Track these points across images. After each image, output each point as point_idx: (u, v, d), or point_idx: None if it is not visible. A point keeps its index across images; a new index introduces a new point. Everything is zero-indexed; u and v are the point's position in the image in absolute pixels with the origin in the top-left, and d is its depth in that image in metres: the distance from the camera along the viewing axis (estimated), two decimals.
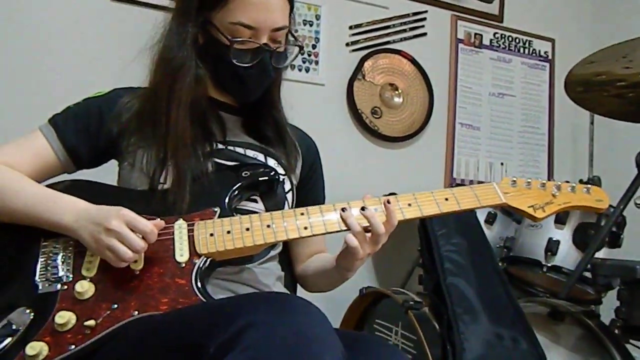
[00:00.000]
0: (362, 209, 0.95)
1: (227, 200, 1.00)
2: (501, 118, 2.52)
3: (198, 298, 0.88)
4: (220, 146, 1.08)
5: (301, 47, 1.11)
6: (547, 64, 2.61)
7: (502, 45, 2.54)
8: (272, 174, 1.05)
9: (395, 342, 1.45)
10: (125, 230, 0.86)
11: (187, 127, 1.02)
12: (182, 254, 0.92)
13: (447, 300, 1.29)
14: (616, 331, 1.40)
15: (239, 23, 0.99)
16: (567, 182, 1.11)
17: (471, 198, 0.99)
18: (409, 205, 0.98)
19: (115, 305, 0.87)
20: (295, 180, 1.15)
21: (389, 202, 0.96)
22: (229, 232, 0.95)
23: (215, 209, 0.98)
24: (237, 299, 0.80)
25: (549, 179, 2.78)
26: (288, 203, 1.11)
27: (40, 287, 0.89)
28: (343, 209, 0.96)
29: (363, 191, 1.93)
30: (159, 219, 0.93)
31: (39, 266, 0.91)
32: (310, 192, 1.20)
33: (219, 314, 0.74)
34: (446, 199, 0.98)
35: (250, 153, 1.10)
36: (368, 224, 0.94)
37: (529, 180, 1.06)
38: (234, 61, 1.01)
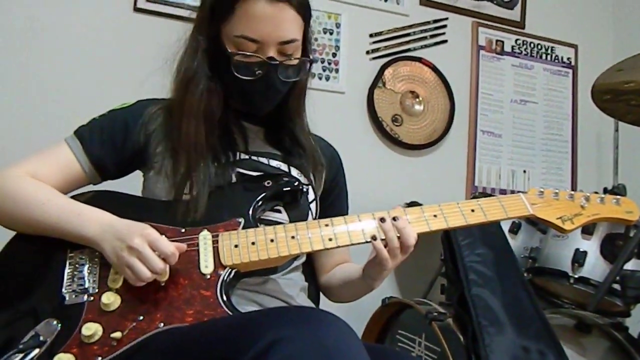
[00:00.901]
0: (394, 219, 0.95)
1: (250, 210, 1.00)
2: (523, 125, 2.49)
3: (223, 310, 0.88)
4: (243, 156, 1.08)
5: (311, 61, 1.08)
6: (570, 71, 2.57)
7: (524, 52, 2.51)
8: (295, 184, 1.04)
9: (418, 354, 1.44)
10: (147, 250, 0.87)
11: (202, 138, 1.02)
12: (207, 266, 0.92)
13: (472, 311, 1.27)
14: None
15: (243, 36, 0.98)
16: (597, 192, 1.09)
17: (498, 209, 0.98)
18: (435, 216, 0.97)
19: (141, 317, 0.87)
20: (319, 190, 1.14)
21: (394, 219, 0.95)
22: (253, 243, 0.95)
23: (240, 220, 0.98)
24: (264, 313, 0.80)
25: (572, 187, 2.75)
26: (312, 213, 1.11)
27: (67, 298, 0.89)
28: (382, 219, 0.95)
29: (384, 200, 1.93)
30: (183, 245, 0.92)
31: (65, 277, 0.91)
32: (334, 203, 1.20)
33: (246, 329, 0.73)
34: (472, 210, 0.97)
35: (274, 163, 1.10)
36: (398, 235, 0.93)
37: (557, 191, 1.04)
38: (236, 74, 1.00)
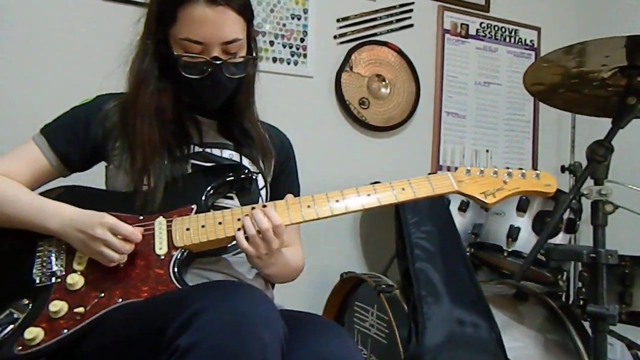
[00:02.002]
0: (264, 206, 1.05)
1: (203, 198, 1.11)
2: (487, 106, 2.60)
3: (174, 285, 1.00)
4: (197, 149, 1.18)
5: (254, 59, 1.17)
6: (533, 53, 2.67)
7: (489, 35, 2.60)
8: (245, 172, 1.15)
9: (371, 323, 1.57)
10: (109, 237, 0.98)
11: (154, 134, 1.11)
12: (161, 247, 1.04)
13: (414, 284, 1.40)
14: (577, 310, 1.51)
15: (187, 39, 1.07)
16: (521, 169, 1.19)
17: (426, 187, 1.09)
18: (368, 195, 1.08)
19: (102, 294, 0.99)
20: (269, 177, 1.25)
21: (264, 206, 1.05)
22: (203, 226, 1.06)
23: (193, 206, 1.09)
24: (195, 288, 0.92)
25: (533, 166, 2.86)
26: (262, 199, 1.22)
27: (37, 281, 1.01)
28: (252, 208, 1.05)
29: (351, 180, 2.02)
30: (140, 229, 1.03)
31: (35, 263, 1.03)
32: (284, 186, 1.30)
33: (178, 302, 0.85)
34: (403, 189, 1.08)
35: (226, 154, 1.21)
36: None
37: (483, 169, 1.14)
38: (185, 74, 1.09)
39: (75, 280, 0.99)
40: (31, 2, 1.89)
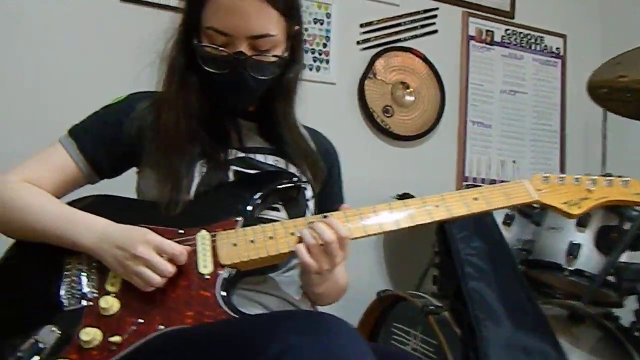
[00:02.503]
0: (324, 217, 0.93)
1: (249, 209, 0.98)
2: (513, 115, 2.50)
3: (223, 310, 0.87)
4: (239, 154, 1.06)
5: (290, 61, 1.04)
6: (559, 61, 2.59)
7: (514, 42, 2.51)
8: (294, 181, 1.03)
9: (414, 347, 1.44)
10: (153, 257, 0.86)
11: (182, 134, 0.99)
12: (205, 266, 0.91)
13: (468, 305, 1.28)
14: (636, 333, 1.39)
15: (212, 28, 0.96)
16: (605, 175, 1.08)
17: (501, 197, 0.97)
18: (437, 206, 0.96)
19: (141, 320, 0.86)
20: (317, 187, 1.13)
21: (325, 216, 0.92)
22: (252, 241, 0.93)
23: (238, 219, 0.97)
24: (271, 319, 0.79)
25: None
26: (310, 211, 1.10)
27: (65, 304, 0.88)
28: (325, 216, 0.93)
29: (375, 191, 1.91)
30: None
31: (63, 283, 0.90)
32: (329, 197, 1.18)
33: (252, 336, 0.73)
34: (475, 199, 0.96)
35: (270, 160, 1.09)
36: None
37: (563, 176, 1.03)
38: (203, 66, 0.98)
39: (110, 303, 0.86)
40: (43, 2, 1.80)
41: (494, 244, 1.41)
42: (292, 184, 1.03)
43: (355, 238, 0.94)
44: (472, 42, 2.45)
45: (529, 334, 1.26)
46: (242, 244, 0.93)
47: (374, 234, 0.96)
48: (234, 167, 1.04)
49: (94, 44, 1.84)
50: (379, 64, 2.28)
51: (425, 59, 2.35)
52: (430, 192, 2.23)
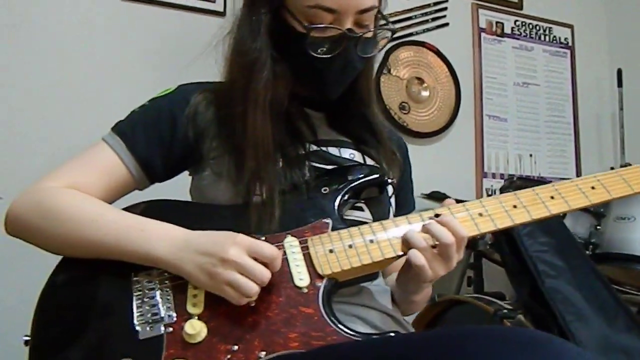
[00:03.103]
0: (436, 216, 0.81)
1: (336, 209, 0.85)
2: (527, 108, 2.44)
3: (333, 329, 0.73)
4: (313, 147, 0.93)
5: (394, 31, 0.96)
6: (568, 51, 2.54)
7: (524, 34, 2.46)
8: (382, 176, 0.90)
9: None
10: (248, 261, 0.71)
11: (268, 131, 0.86)
12: (301, 278, 0.77)
13: (552, 306, 1.17)
14: None
15: (318, 6, 0.83)
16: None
17: (620, 184, 0.87)
18: (552, 197, 0.85)
19: (236, 347, 0.71)
20: (395, 183, 1.00)
21: (437, 215, 0.80)
22: (350, 246, 0.80)
23: (327, 221, 0.83)
24: (425, 342, 0.63)
25: (577, 171, 2.68)
26: (392, 210, 0.97)
27: (140, 332, 0.72)
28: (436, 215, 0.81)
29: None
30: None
31: (134, 306, 0.74)
32: (401, 197, 1.06)
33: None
34: (592, 188, 0.86)
35: (345, 153, 0.96)
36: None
37: None
38: (310, 52, 0.85)
39: (198, 328, 0.71)
40: (45, 3, 1.69)
41: (561, 239, 1.31)
42: (380, 180, 0.90)
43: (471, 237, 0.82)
44: (483, 35, 2.38)
45: (623, 334, 1.16)
46: (339, 249, 0.80)
47: (488, 232, 0.84)
48: (310, 163, 0.90)
49: (95, 44, 1.73)
50: (393, 58, 2.18)
51: (438, 53, 2.27)
52: (453, 189, 2.13)
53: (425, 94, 2.24)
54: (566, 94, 2.52)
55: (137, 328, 0.72)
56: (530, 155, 2.42)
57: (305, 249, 0.80)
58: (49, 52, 1.68)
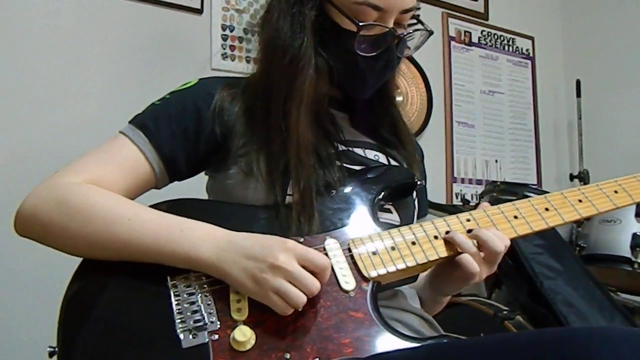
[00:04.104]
0: (468, 220, 0.81)
1: (371, 210, 0.83)
2: (493, 115, 2.51)
3: (387, 334, 0.71)
4: (341, 147, 0.90)
5: (431, 32, 0.95)
6: (529, 62, 2.65)
7: (489, 43, 2.54)
8: (412, 177, 0.89)
9: None
10: (298, 269, 0.68)
11: (307, 130, 0.84)
12: (347, 281, 0.74)
13: (553, 306, 1.20)
14: None
15: (366, 3, 0.82)
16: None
17: None
18: (580, 201, 0.86)
19: (288, 355, 0.68)
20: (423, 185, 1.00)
21: (469, 231, 0.80)
22: (393, 248, 0.78)
23: (363, 222, 0.81)
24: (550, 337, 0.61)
25: (537, 176, 2.78)
26: (416, 212, 0.96)
27: (183, 340, 0.67)
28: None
29: None
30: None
31: (175, 313, 0.69)
32: (420, 199, 1.05)
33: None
34: (616, 192, 0.88)
35: (370, 154, 0.94)
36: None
37: None
38: (357, 50, 0.83)
39: (247, 335, 0.67)
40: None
41: (554, 241, 1.35)
42: (412, 181, 0.89)
43: None
44: (452, 43, 2.43)
45: None
46: (382, 251, 0.78)
47: (524, 235, 0.84)
48: (339, 163, 0.88)
49: (102, 45, 1.66)
50: None
51: (411, 59, 2.30)
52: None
53: (399, 99, 2.26)
54: (528, 103, 2.62)
55: (180, 336, 0.67)
56: (496, 161, 2.49)
57: (347, 251, 0.77)
58: (17, 45, 1.55)
